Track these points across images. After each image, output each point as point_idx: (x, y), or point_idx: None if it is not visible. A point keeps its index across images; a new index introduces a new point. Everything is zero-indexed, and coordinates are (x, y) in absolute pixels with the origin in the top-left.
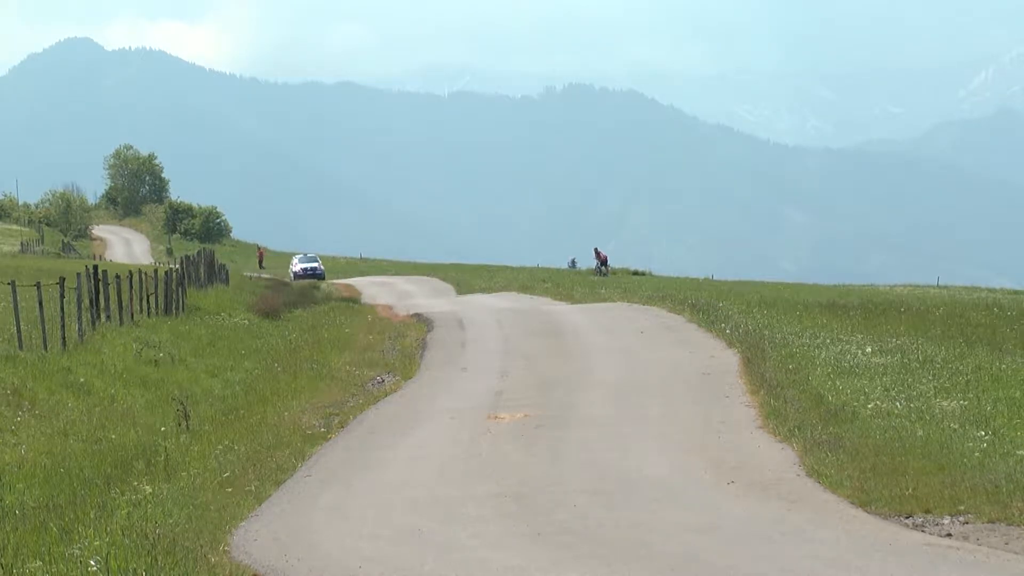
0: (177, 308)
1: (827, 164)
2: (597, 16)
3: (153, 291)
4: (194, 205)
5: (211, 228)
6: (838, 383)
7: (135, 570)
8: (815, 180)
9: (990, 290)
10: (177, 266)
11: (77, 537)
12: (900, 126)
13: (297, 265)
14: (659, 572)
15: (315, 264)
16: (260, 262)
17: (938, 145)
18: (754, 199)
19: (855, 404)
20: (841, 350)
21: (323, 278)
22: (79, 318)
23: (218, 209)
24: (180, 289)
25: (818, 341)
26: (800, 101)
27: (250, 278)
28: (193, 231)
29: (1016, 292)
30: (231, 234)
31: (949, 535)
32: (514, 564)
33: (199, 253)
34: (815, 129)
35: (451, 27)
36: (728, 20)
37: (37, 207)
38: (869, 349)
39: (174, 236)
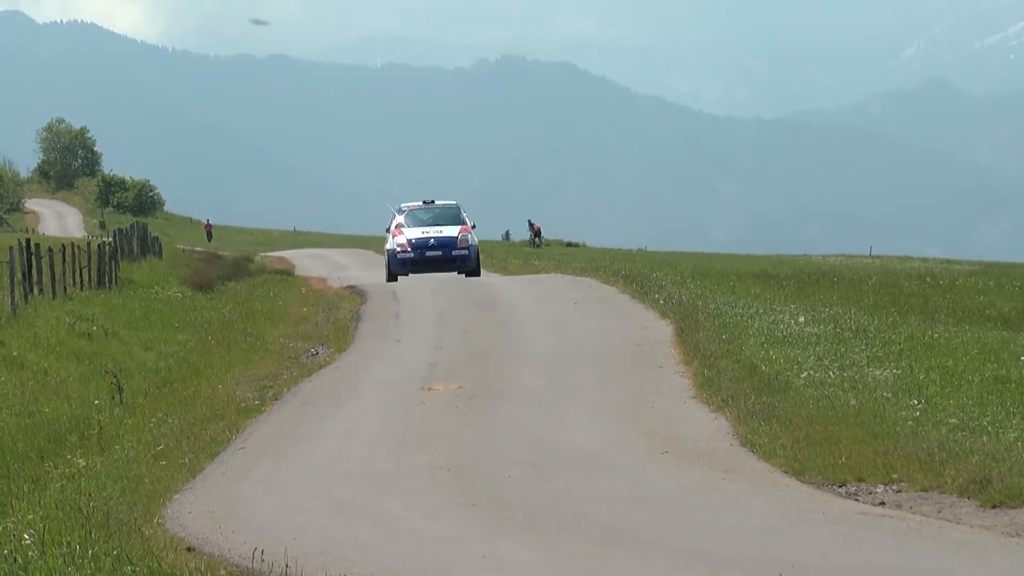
0: (110, 281)
1: (759, 134)
2: None
3: (86, 264)
4: (127, 178)
5: (144, 201)
6: (771, 353)
7: (69, 543)
8: (747, 150)
9: (923, 259)
10: (110, 239)
11: (11, 511)
12: (832, 96)
13: (403, 235)
14: (592, 541)
15: (448, 233)
16: (208, 236)
17: (870, 115)
18: (687, 170)
19: (788, 374)
20: (774, 320)
21: (469, 264)
22: (11, 292)
23: (151, 182)
24: (113, 262)
25: (751, 311)
26: (732, 72)
27: (183, 251)
28: (126, 204)
29: (948, 261)
30: (164, 207)
31: (882, 503)
32: (449, 535)
33: (132, 226)
34: (747, 99)
35: None
36: None
37: None
38: (802, 319)
39: (107, 209)
